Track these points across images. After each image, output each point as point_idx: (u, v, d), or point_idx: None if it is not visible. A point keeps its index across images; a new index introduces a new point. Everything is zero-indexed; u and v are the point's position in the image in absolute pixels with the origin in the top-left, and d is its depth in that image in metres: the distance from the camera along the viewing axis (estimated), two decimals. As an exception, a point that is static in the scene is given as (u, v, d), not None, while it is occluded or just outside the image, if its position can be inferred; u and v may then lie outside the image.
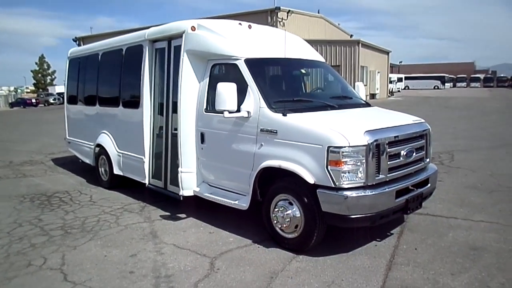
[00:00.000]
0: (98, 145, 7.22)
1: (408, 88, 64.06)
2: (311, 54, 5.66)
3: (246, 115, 4.42)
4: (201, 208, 5.62)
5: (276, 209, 4.24)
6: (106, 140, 6.97)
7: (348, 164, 3.73)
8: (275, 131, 4.19)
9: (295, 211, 4.10)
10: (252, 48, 4.96)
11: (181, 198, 5.37)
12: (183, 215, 5.50)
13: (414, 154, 4.29)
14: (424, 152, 4.53)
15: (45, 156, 10.81)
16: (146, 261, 4.12)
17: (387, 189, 3.90)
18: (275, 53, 5.16)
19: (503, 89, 62.94)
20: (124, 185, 6.97)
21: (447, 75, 71.70)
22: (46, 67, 64.97)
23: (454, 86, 73.91)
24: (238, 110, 4.40)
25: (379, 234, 4.59)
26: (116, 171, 6.77)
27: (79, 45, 37.66)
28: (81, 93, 8.05)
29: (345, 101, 5.07)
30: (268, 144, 4.26)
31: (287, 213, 4.12)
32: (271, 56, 5.04)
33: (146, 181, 6.07)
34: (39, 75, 64.20)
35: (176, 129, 5.42)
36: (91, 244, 4.62)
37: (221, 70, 5.13)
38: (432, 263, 3.89)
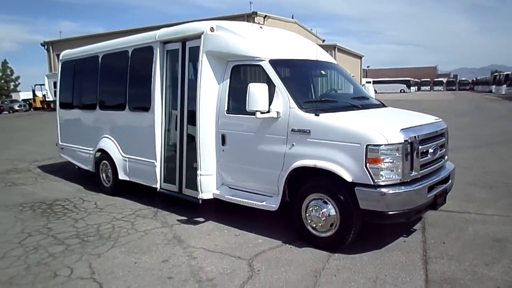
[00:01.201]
0: (100, 150, 6.98)
1: (376, 92, 65.91)
2: (324, 55, 5.74)
3: (275, 115, 4.43)
4: (218, 211, 5.56)
5: (310, 209, 4.26)
6: (109, 145, 6.75)
7: (386, 162, 3.82)
8: (308, 131, 4.22)
9: (330, 209, 4.13)
10: (274, 49, 4.98)
11: (200, 202, 5.28)
12: (202, 219, 5.41)
13: (438, 151, 4.45)
14: (445, 149, 4.70)
15: (29, 164, 10.30)
16: (181, 266, 4.02)
17: (420, 186, 4.02)
18: (293, 54, 5.22)
19: (465, 91, 66.23)
20: (128, 191, 6.79)
21: (412, 79, 74.53)
22: (9, 73, 62.07)
23: (419, 89, 76.89)
24: (268, 111, 4.40)
25: (403, 231, 4.71)
26: (122, 176, 6.57)
27: (48, 50, 36.34)
28: (77, 97, 7.75)
29: (364, 101, 5.18)
30: (300, 144, 4.29)
31: (323, 212, 4.15)
32: (292, 57, 5.08)
33: (158, 186, 5.93)
34: (2, 81, 61.23)
35: (192, 132, 5.35)
36: (115, 251, 4.46)
37: (243, 71, 5.11)
38: (463, 255, 4.04)
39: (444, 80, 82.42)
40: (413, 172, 4.02)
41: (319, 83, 5.77)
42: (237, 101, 5.06)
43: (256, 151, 4.72)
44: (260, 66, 4.73)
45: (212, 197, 5.26)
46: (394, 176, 3.87)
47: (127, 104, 6.37)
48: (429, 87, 79.30)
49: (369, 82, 67.04)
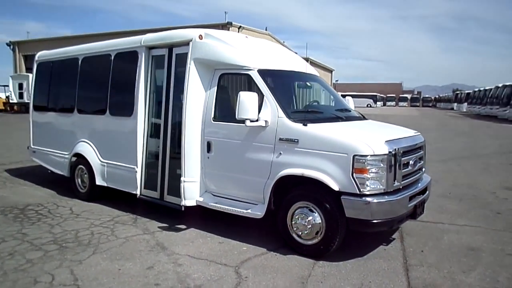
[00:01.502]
0: (76, 155, 6.79)
1: (345, 106, 67.62)
2: (308, 67, 5.90)
3: (264, 124, 4.50)
4: (200, 218, 5.53)
5: (296, 216, 4.34)
6: (87, 149, 6.59)
7: (371, 172, 3.96)
8: (296, 140, 4.31)
9: (316, 217, 4.23)
10: (261, 59, 5.08)
11: (183, 209, 5.25)
12: (183, 226, 5.37)
13: (418, 163, 4.66)
14: (423, 162, 4.92)
15: (-5, 167, 9.83)
16: (167, 273, 3.97)
17: (402, 196, 4.20)
18: (280, 65, 5.33)
19: (428, 108, 69.20)
20: (105, 196, 6.63)
21: (378, 94, 77.09)
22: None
23: (384, 104, 79.59)
24: (257, 120, 4.46)
25: (383, 240, 4.87)
26: (99, 182, 6.41)
27: (13, 50, 34.92)
28: (53, 99, 7.53)
29: (347, 113, 5.35)
30: (288, 153, 4.37)
31: (309, 220, 4.24)
32: (278, 68, 5.19)
33: (138, 192, 5.84)
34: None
35: (176, 138, 5.34)
36: (97, 257, 4.35)
37: (231, 79, 5.17)
38: (441, 263, 4.23)
39: (409, 96, 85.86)
40: (396, 183, 4.19)
41: (302, 94, 5.92)
42: (224, 109, 5.11)
43: (242, 159, 4.77)
44: (248, 75, 4.81)
45: (195, 204, 5.23)
46: (378, 186, 4.02)
47: (108, 108, 6.26)
48: (394, 102, 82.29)
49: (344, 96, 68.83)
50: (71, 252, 4.49)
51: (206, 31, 5.22)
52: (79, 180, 6.88)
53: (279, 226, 4.56)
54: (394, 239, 4.94)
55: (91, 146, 6.55)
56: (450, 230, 5.29)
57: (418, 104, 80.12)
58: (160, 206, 5.75)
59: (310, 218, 4.24)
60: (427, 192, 4.91)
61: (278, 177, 4.40)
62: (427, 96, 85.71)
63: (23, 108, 32.05)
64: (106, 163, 6.30)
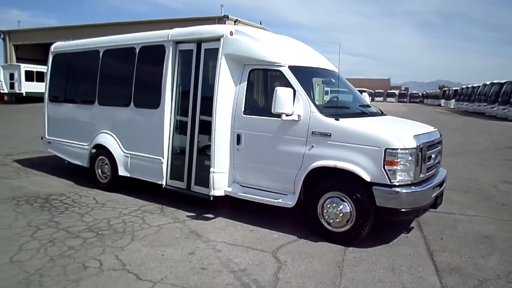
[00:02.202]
0: (97, 146, 6.92)
1: (334, 101, 68.31)
2: (329, 64, 6.14)
3: (296, 118, 4.73)
4: (225, 208, 5.75)
5: (328, 206, 4.60)
6: (109, 141, 6.72)
7: (401, 164, 4.25)
8: (329, 134, 4.57)
9: (346, 207, 4.50)
10: (291, 56, 5.30)
11: (211, 198, 5.46)
12: (211, 215, 5.58)
13: (437, 157, 4.98)
14: (441, 156, 5.24)
15: (3, 158, 9.83)
16: (209, 258, 4.20)
17: (427, 187, 4.50)
18: (306, 61, 5.55)
19: (416, 104, 70.29)
20: (125, 187, 6.79)
21: (367, 89, 77.86)
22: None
23: (373, 100, 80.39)
24: (291, 114, 4.69)
25: (403, 228, 5.18)
26: (122, 172, 6.57)
27: (3, 39, 34.26)
28: (71, 91, 7.61)
29: (369, 109, 5.62)
30: (320, 145, 4.62)
31: (340, 209, 4.51)
32: (306, 65, 5.42)
33: (163, 182, 6.02)
34: None
35: (204, 131, 5.54)
36: (137, 244, 4.54)
37: (261, 75, 5.38)
38: (461, 249, 4.56)
39: (397, 92, 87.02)
40: (421, 175, 4.49)
41: (326, 90, 6.16)
42: (254, 103, 5.33)
43: (273, 151, 5.00)
44: (279, 71, 5.02)
45: (223, 194, 5.45)
46: (407, 177, 4.31)
47: (132, 100, 6.40)
48: (382, 98, 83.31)
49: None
50: (109, 239, 4.67)
51: (236, 27, 5.41)
52: (99, 170, 7.01)
53: (309, 215, 4.82)
54: (413, 227, 5.25)
55: (114, 137, 6.68)
56: (462, 220, 5.63)
57: (405, 100, 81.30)
58: (184, 196, 5.96)
59: (341, 207, 4.51)
60: (444, 184, 5.23)
61: (311, 169, 4.65)
62: (414, 92, 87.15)
63: (13, 98, 31.62)
64: (130, 154, 6.45)
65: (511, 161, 10.81)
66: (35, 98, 30.65)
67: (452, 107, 46.11)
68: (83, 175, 7.71)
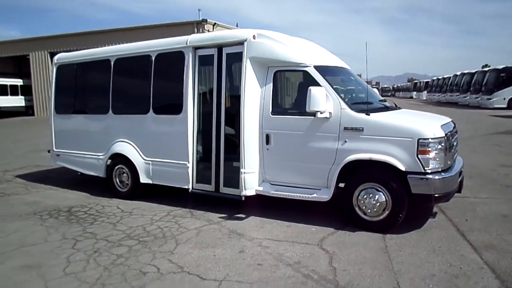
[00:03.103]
0: (115, 155, 6.91)
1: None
2: (342, 62, 6.40)
3: (328, 115, 4.96)
4: (252, 207, 5.87)
5: (364, 196, 4.84)
6: (127, 149, 6.73)
7: (433, 153, 4.54)
8: (361, 129, 4.81)
9: (382, 196, 4.76)
10: (314, 56, 5.52)
11: (243, 199, 5.61)
12: (242, 215, 5.72)
13: (456, 145, 5.32)
14: (457, 144, 5.59)
15: (3, 174, 9.58)
16: (260, 254, 4.35)
17: (455, 172, 4.82)
18: (327, 61, 5.78)
19: (388, 97, 72.08)
20: (145, 194, 6.82)
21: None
22: None
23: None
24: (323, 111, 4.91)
25: (427, 214, 5.48)
26: (144, 179, 6.60)
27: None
28: (81, 102, 7.56)
29: (387, 104, 5.92)
30: (353, 140, 4.86)
31: (376, 199, 4.76)
32: (328, 64, 5.64)
33: (190, 187, 6.11)
34: None
35: (231, 133, 5.68)
36: (184, 247, 4.63)
37: (287, 76, 5.57)
38: (487, 228, 4.91)
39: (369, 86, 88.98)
40: (448, 161, 4.80)
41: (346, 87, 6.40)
42: (281, 104, 5.54)
43: (305, 148, 5.20)
44: (306, 71, 5.24)
45: (254, 193, 5.61)
46: (438, 165, 4.61)
47: (151, 107, 6.44)
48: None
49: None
50: (154, 245, 4.74)
51: (258, 31, 5.57)
52: (117, 180, 7.01)
53: (344, 207, 5.06)
54: (436, 212, 5.57)
55: (132, 145, 6.70)
56: (477, 202, 6.01)
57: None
58: (208, 198, 6.12)
59: (377, 197, 4.76)
60: (463, 170, 5.58)
61: (345, 163, 4.88)
62: (385, 86, 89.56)
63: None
64: (151, 161, 6.50)
65: (499, 146, 11.44)
66: (10, 112, 29.67)
67: (425, 98, 47.78)
68: (95, 186, 7.69)
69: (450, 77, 36.31)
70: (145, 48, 6.61)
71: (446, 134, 4.68)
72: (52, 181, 8.46)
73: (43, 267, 4.22)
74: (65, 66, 7.77)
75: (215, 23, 27.47)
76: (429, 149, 4.52)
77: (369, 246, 4.47)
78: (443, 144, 4.61)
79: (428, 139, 4.52)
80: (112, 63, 6.96)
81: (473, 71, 29.85)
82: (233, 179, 5.74)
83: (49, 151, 8.25)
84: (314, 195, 5.15)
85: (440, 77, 41.32)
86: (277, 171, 5.53)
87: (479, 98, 26.47)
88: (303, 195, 5.23)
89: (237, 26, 34.59)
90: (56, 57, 7.97)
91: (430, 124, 4.72)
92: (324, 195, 5.06)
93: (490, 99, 25.04)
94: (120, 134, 6.89)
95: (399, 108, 6.03)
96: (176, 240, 4.88)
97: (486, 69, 27.85)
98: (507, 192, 6.55)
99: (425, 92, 47.95)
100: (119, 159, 6.88)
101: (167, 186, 6.47)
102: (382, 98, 6.21)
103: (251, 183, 5.57)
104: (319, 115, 4.86)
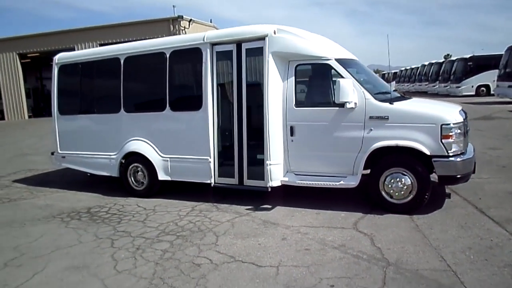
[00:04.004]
0: (129, 154, 6.88)
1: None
2: (352, 54, 6.65)
3: (354, 106, 5.20)
4: (276, 198, 6.03)
5: (391, 181, 5.13)
6: (143, 147, 6.73)
7: (454, 137, 4.89)
8: (386, 117, 5.09)
9: (408, 180, 5.07)
10: (332, 50, 5.74)
11: (269, 189, 5.78)
12: (269, 206, 5.89)
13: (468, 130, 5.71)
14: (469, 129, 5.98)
15: (-2, 179, 9.27)
16: (303, 240, 4.55)
17: (472, 154, 5.19)
18: (343, 54, 6.00)
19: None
20: (162, 191, 6.85)
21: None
22: None
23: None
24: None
25: (441, 195, 5.85)
26: (162, 177, 6.63)
27: None
28: (88, 101, 7.45)
29: (397, 93, 6.24)
30: (379, 128, 5.13)
31: (403, 182, 5.06)
32: (344, 57, 5.87)
33: (212, 181, 6.21)
34: None
35: (254, 126, 5.83)
36: (225, 239, 4.75)
37: (309, 69, 5.76)
38: (502, 204, 5.33)
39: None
40: (466, 145, 5.17)
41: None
42: (305, 96, 5.73)
43: (330, 138, 5.43)
44: (328, 64, 5.45)
45: (280, 184, 5.79)
46: (458, 148, 4.96)
47: (168, 104, 6.45)
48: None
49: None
50: (195, 239, 4.83)
51: (278, 26, 5.73)
52: (132, 178, 6.98)
53: (371, 192, 5.34)
54: (449, 193, 5.95)
55: (148, 143, 6.70)
56: (483, 182, 6.47)
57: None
58: (229, 191, 6.33)
59: (404, 180, 5.07)
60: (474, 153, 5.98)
61: (372, 150, 5.15)
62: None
63: None
64: (170, 157, 6.53)
65: (480, 131, 12.14)
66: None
67: (394, 89, 49.28)
68: (102, 186, 7.67)
69: (418, 67, 37.72)
70: (158, 45, 6.60)
71: (464, 119, 5.04)
72: (55, 184, 8.28)
73: (91, 267, 4.23)
74: (68, 66, 7.62)
75: (190, 20, 27.25)
76: (451, 133, 4.86)
77: (402, 226, 4.77)
78: (462, 129, 4.97)
79: (450, 124, 4.85)
80: (122, 62, 6.90)
81: (441, 60, 31.22)
82: (257, 171, 5.89)
83: (52, 153, 8.07)
84: (341, 182, 5.39)
85: (408, 68, 42.81)
86: (301, 161, 5.73)
87: (448, 87, 27.70)
88: (330, 182, 5.46)
89: (211, 22, 34.44)
90: (57, 57, 7.78)
91: (450, 111, 5.07)
92: (352, 182, 5.32)
93: (459, 87, 26.28)
94: (133, 132, 6.86)
95: (410, 98, 6.36)
96: (214, 232, 4.99)
97: (454, 58, 29.11)
98: (505, 171, 7.06)
99: (394, 82, 49.49)
100: (134, 157, 6.85)
101: (182, 182, 6.54)
102: (393, 88, 6.52)
103: (276, 174, 5.74)
104: (347, 105, 5.09)
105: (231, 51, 5.99)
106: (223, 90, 6.22)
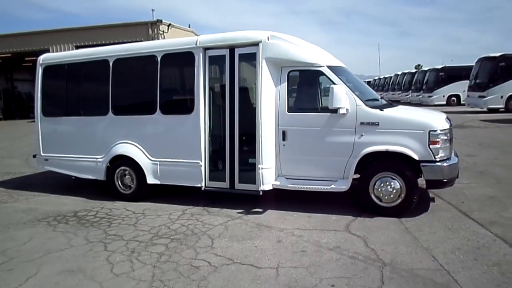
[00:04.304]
0: (117, 157, 6.78)
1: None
2: (340, 62, 6.84)
3: (345, 112, 5.36)
4: (266, 202, 6.09)
5: (381, 185, 5.30)
6: (132, 150, 6.65)
7: (441, 143, 5.12)
8: (377, 123, 5.27)
9: (397, 184, 5.26)
10: (324, 57, 5.90)
11: (261, 193, 5.84)
12: (260, 209, 5.94)
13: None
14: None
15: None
16: (298, 243, 4.63)
17: (457, 160, 5.45)
18: (333, 62, 6.16)
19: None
20: (149, 195, 6.78)
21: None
22: None
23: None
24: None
25: (426, 199, 6.08)
26: (151, 180, 6.57)
27: None
28: (73, 103, 7.30)
29: (385, 100, 6.46)
30: (369, 133, 5.30)
31: (393, 186, 5.25)
32: (335, 64, 6.03)
33: (203, 185, 6.21)
34: None
35: (246, 131, 5.91)
36: (221, 242, 4.77)
37: (300, 75, 5.88)
38: (483, 207, 5.60)
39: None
40: (451, 151, 5.42)
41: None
42: (297, 102, 5.88)
43: (322, 142, 5.56)
44: (320, 71, 5.60)
45: (271, 188, 5.87)
46: (444, 154, 5.20)
47: (158, 108, 6.43)
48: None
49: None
50: (190, 242, 4.83)
51: (271, 32, 5.83)
52: (119, 182, 6.89)
53: (361, 196, 5.49)
54: (433, 197, 6.19)
55: (137, 146, 6.63)
56: (463, 187, 6.75)
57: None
58: (217, 195, 6.42)
59: (393, 184, 5.25)
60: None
61: (362, 155, 5.31)
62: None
63: None
64: (159, 161, 6.49)
65: (455, 138, 12.63)
66: None
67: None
68: (85, 190, 7.57)
69: (391, 77, 38.89)
70: (149, 48, 6.59)
71: (450, 126, 5.29)
72: (36, 188, 8.05)
73: (87, 270, 4.16)
74: (53, 67, 7.46)
75: (170, 24, 27.14)
76: (438, 139, 5.09)
77: (392, 229, 4.94)
78: (448, 135, 5.21)
79: (437, 130, 5.09)
80: (111, 64, 6.82)
81: (413, 71, 32.35)
82: (248, 175, 5.95)
83: (34, 156, 7.85)
84: (333, 186, 5.52)
85: (381, 77, 44.03)
86: (293, 166, 5.83)
87: (420, 96, 28.70)
88: (321, 186, 5.59)
89: (189, 27, 34.35)
90: (41, 57, 7.60)
91: (437, 118, 5.31)
92: (343, 186, 5.46)
93: (431, 96, 27.28)
94: (121, 135, 6.78)
95: (397, 105, 6.60)
96: (208, 235, 5.00)
97: (426, 68, 30.22)
98: (483, 177, 7.41)
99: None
100: (122, 160, 6.77)
101: (169, 185, 6.52)
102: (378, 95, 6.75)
103: (268, 178, 5.82)
104: (340, 111, 5.24)
105: (224, 55, 6.05)
106: (214, 94, 6.26)
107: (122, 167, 6.81)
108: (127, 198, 6.80)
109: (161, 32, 26.69)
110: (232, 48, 6.00)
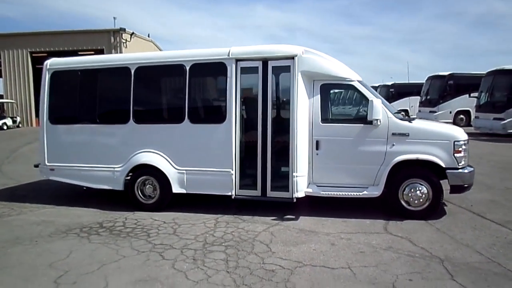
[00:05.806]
0: (139, 166, 6.66)
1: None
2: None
3: (379, 123, 5.82)
4: (295, 209, 6.36)
5: (411, 190, 5.79)
6: (156, 159, 6.58)
7: (462, 152, 5.75)
8: (407, 134, 5.79)
9: (425, 189, 5.78)
10: (352, 72, 6.34)
11: (295, 200, 6.09)
12: (293, 216, 6.16)
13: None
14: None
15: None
16: (351, 245, 4.93)
17: (473, 168, 6.11)
18: (356, 76, 6.62)
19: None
20: (173, 204, 6.74)
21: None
22: None
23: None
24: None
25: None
26: (177, 189, 6.54)
27: None
28: (87, 110, 7.04)
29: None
30: (400, 143, 5.80)
31: (422, 191, 5.77)
32: (360, 79, 6.49)
33: (233, 193, 6.32)
34: None
35: (280, 140, 6.16)
36: (277, 247, 4.92)
37: (332, 89, 6.27)
38: (492, 209, 6.30)
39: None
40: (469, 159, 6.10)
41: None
42: (330, 113, 6.23)
43: (354, 151, 5.97)
44: (352, 85, 6.04)
45: (304, 195, 6.13)
46: (465, 161, 5.84)
47: (187, 117, 6.44)
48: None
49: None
50: (246, 248, 4.92)
51: (305, 48, 6.17)
52: (139, 192, 6.75)
53: (390, 201, 5.95)
54: (444, 202, 6.81)
55: (161, 155, 6.57)
56: (464, 193, 7.40)
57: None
58: (243, 203, 6.55)
59: (422, 189, 5.77)
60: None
61: (394, 163, 5.79)
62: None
63: None
64: (186, 170, 6.48)
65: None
66: None
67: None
68: (91, 200, 7.38)
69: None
70: (177, 57, 6.60)
71: (468, 137, 5.96)
72: (33, 199, 7.60)
73: (161, 279, 4.13)
74: (64, 73, 7.16)
75: (133, 33, 26.66)
76: (461, 149, 5.71)
77: (427, 230, 5.43)
78: (467, 145, 5.86)
79: (460, 141, 5.72)
80: (132, 71, 6.72)
81: (376, 85, 34.56)
82: (280, 183, 6.18)
83: (36, 166, 7.41)
84: (365, 192, 5.93)
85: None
86: (325, 173, 6.16)
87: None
88: (354, 193, 5.96)
89: (148, 36, 33.81)
90: (48, 62, 7.26)
91: (458, 130, 5.96)
92: (375, 192, 5.88)
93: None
94: (143, 144, 6.67)
95: (415, 118, 7.23)
96: (259, 241, 5.13)
97: (376, 84, 32.40)
98: (477, 183, 8.20)
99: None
100: (144, 170, 6.66)
101: (185, 194, 6.57)
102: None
103: (301, 185, 6.09)
104: (378, 123, 5.70)
105: (257, 67, 6.26)
106: (247, 104, 6.44)
107: (144, 177, 6.69)
108: (147, 208, 6.67)
109: (124, 41, 26.11)
110: (265, 61, 6.23)
